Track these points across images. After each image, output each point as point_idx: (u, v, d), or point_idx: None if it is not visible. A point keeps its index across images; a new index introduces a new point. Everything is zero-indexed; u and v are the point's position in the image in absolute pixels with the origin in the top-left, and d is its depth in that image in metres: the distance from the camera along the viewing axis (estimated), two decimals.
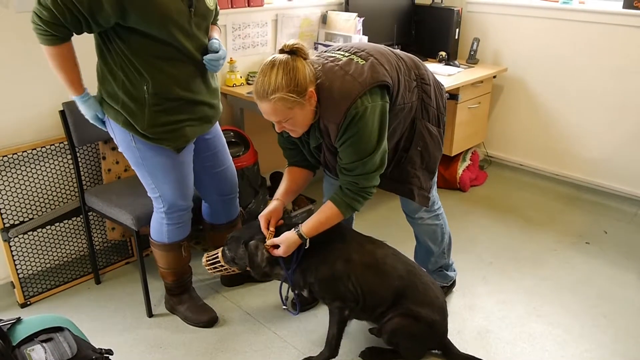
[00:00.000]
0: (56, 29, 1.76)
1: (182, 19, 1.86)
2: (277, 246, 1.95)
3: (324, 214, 1.92)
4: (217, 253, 2.09)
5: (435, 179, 2.22)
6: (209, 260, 2.11)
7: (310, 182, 2.17)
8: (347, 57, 1.81)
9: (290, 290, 2.10)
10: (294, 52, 1.72)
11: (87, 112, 2.01)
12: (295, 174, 2.10)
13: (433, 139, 2.05)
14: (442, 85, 2.14)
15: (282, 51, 1.73)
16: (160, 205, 2.15)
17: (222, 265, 2.08)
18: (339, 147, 1.82)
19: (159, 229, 2.22)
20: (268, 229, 1.98)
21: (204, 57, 1.98)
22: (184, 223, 2.24)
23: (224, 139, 2.35)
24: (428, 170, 2.09)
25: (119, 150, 2.11)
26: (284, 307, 2.08)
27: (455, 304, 2.45)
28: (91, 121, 2.05)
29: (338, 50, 1.88)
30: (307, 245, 1.94)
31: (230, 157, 2.39)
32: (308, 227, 1.92)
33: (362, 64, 1.77)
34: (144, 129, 1.95)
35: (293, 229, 1.94)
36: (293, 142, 2.02)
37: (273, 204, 2.04)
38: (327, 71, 1.76)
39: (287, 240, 1.93)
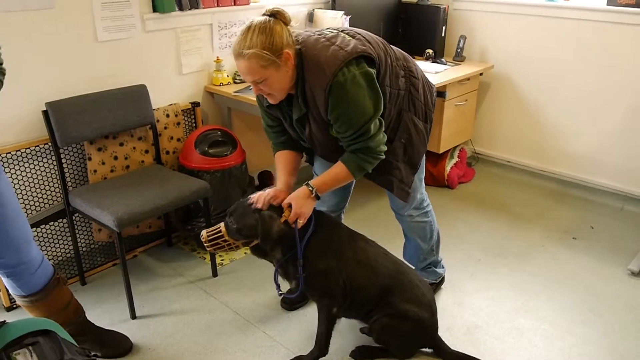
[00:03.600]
0: None
1: None
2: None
3: (334, 171, 1.91)
4: (219, 227, 1.95)
5: (423, 175, 2.22)
6: (210, 236, 1.96)
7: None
8: (333, 33, 1.85)
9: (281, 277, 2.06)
10: (274, 15, 1.75)
11: None
12: (286, 158, 2.07)
13: (418, 133, 2.04)
14: (433, 84, 2.15)
15: (263, 15, 1.76)
16: None
17: (224, 241, 1.94)
18: (335, 122, 1.80)
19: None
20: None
21: None
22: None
23: (6, 181, 1.75)
24: (410, 165, 2.08)
25: None
26: (279, 292, 2.05)
27: (444, 301, 2.46)
28: None
29: (326, 29, 1.91)
30: (318, 198, 1.91)
31: (13, 206, 1.77)
32: (318, 181, 1.92)
33: (348, 39, 1.81)
34: None
35: (305, 185, 1.91)
36: (278, 120, 2.00)
37: (280, 184, 1.99)
38: (313, 42, 1.80)
39: (297, 197, 1.90)
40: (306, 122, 1.90)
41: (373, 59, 1.80)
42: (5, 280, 1.86)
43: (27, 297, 1.88)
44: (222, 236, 1.93)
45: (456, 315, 2.39)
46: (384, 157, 1.90)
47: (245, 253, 2.82)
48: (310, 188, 1.91)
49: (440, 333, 2.12)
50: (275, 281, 2.05)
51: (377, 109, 1.80)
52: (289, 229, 1.89)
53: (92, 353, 1.43)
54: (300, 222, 1.89)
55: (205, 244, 1.97)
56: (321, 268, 1.93)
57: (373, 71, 1.80)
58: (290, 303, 2.42)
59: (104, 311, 2.42)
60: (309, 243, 1.93)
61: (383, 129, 1.87)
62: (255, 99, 2.05)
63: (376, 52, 1.83)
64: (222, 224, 1.95)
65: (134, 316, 2.38)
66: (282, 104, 1.91)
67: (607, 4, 3.13)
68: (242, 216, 1.90)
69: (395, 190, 2.07)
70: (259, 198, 1.92)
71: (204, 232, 1.98)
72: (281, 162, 2.07)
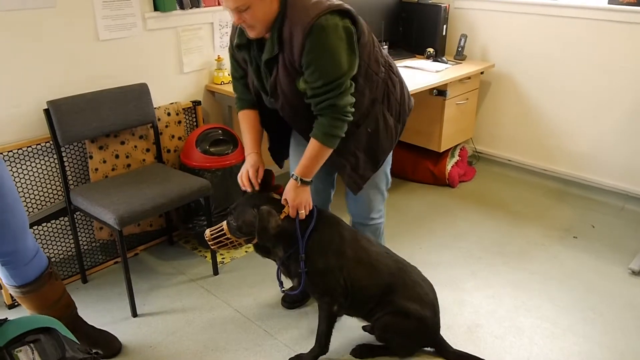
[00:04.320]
0: None
1: None
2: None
3: (309, 150, 1.87)
4: (221, 226, 1.95)
5: (387, 188, 2.21)
6: (213, 234, 1.96)
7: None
8: None
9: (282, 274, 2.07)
10: None
11: None
12: (252, 118, 2.05)
13: (387, 129, 2.00)
14: (409, 93, 2.15)
15: None
16: None
17: (227, 239, 1.95)
18: (307, 68, 1.74)
19: None
20: (259, 181, 1.98)
21: None
22: None
23: (6, 171, 1.79)
24: (371, 158, 2.01)
25: None
26: (282, 289, 2.05)
27: (445, 299, 2.46)
28: None
29: None
30: (310, 183, 1.92)
31: (14, 195, 1.80)
32: (299, 168, 1.90)
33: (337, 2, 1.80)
34: None
35: (292, 179, 1.91)
36: (244, 71, 1.97)
37: (252, 157, 2.00)
38: None
39: (288, 191, 1.91)
40: (274, 67, 1.82)
41: (357, 20, 1.80)
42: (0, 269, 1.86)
43: (19, 288, 1.90)
44: (224, 234, 1.94)
45: (457, 314, 2.39)
46: (351, 118, 1.83)
47: (246, 252, 2.82)
48: (295, 177, 1.90)
49: (441, 331, 2.12)
50: (278, 278, 2.05)
51: (351, 67, 1.77)
52: (289, 224, 1.90)
53: (94, 350, 1.44)
54: (302, 213, 1.89)
55: (209, 243, 1.98)
56: (321, 266, 1.93)
57: (355, 30, 1.78)
58: (290, 302, 2.43)
59: (105, 309, 2.43)
60: (309, 239, 1.92)
61: (352, 90, 1.81)
62: None
63: (361, 22, 1.84)
64: (224, 223, 1.95)
65: (135, 314, 2.38)
66: (252, 46, 1.85)
67: (609, 3, 3.12)
68: (242, 213, 1.90)
69: (346, 178, 2.02)
70: (243, 181, 1.95)
71: (207, 231, 1.99)
72: (247, 126, 2.05)
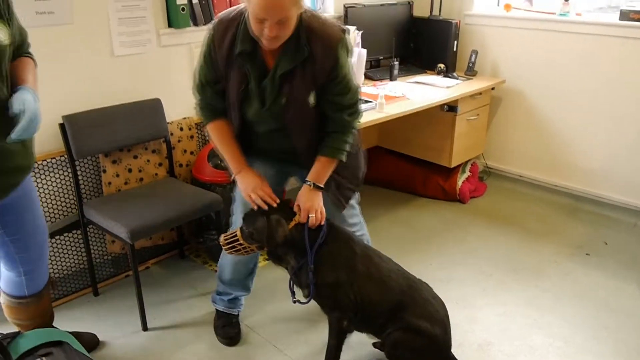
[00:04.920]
0: None
1: None
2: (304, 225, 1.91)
3: (326, 164, 1.95)
4: (235, 232, 1.97)
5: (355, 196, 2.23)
6: (227, 240, 1.98)
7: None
8: None
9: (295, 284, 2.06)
10: None
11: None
12: (229, 130, 1.99)
13: (360, 147, 2.13)
14: None
15: None
16: None
17: (240, 244, 1.96)
18: (340, 81, 1.84)
19: None
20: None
21: (9, 137, 1.50)
22: None
23: (36, 194, 1.89)
24: (353, 176, 2.11)
25: None
26: (294, 300, 2.05)
27: (456, 316, 2.44)
28: None
29: None
30: (320, 188, 1.95)
31: (39, 219, 1.90)
32: (314, 174, 1.95)
33: None
34: None
35: (305, 185, 1.95)
36: (219, 76, 1.91)
37: (250, 175, 1.95)
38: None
39: (301, 196, 1.93)
40: (288, 79, 1.83)
41: None
42: (16, 281, 1.87)
43: (27, 298, 1.92)
44: (238, 240, 1.96)
45: (468, 331, 2.37)
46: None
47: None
48: (309, 183, 1.94)
49: (452, 349, 2.10)
50: (290, 289, 2.05)
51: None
52: (300, 234, 1.91)
53: None
54: (313, 217, 1.90)
55: (223, 247, 2.01)
56: (331, 280, 1.93)
57: None
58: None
59: (116, 322, 2.43)
60: (320, 252, 1.92)
61: None
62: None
63: None
64: (238, 229, 1.98)
65: (145, 328, 2.39)
66: (256, 56, 1.84)
67: (620, 19, 3.12)
68: (254, 221, 1.93)
69: (331, 195, 2.06)
70: (259, 203, 1.91)
71: (222, 237, 2.01)
72: (226, 135, 1.99)
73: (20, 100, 1.49)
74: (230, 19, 1.84)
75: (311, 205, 1.92)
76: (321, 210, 1.95)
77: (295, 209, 1.95)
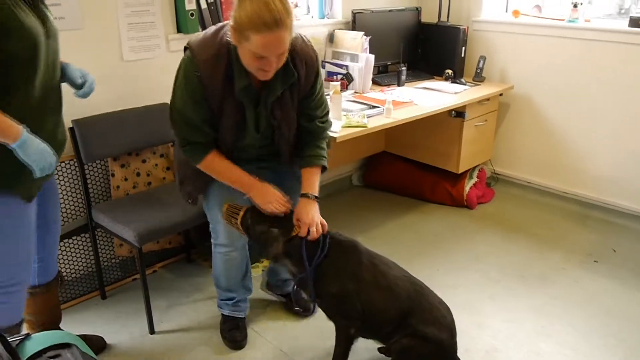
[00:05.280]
0: None
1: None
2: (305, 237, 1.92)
3: (315, 175, 2.03)
4: (240, 211, 1.96)
5: None
6: (229, 212, 1.97)
7: None
8: None
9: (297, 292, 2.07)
10: None
11: (41, 157, 1.58)
12: (222, 158, 1.98)
13: None
14: None
15: None
16: None
17: (236, 224, 1.97)
18: (317, 95, 1.98)
19: None
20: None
21: (80, 92, 1.82)
22: (20, 302, 1.81)
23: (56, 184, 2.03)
24: None
25: None
26: (296, 308, 2.05)
27: (463, 322, 2.43)
28: (47, 171, 1.62)
29: None
30: (317, 198, 2.00)
31: (59, 208, 2.04)
32: (311, 186, 2.01)
33: None
34: None
35: (304, 198, 1.97)
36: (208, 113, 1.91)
37: (263, 185, 1.97)
38: None
39: (302, 209, 1.93)
40: (278, 102, 1.91)
41: None
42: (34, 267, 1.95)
43: (37, 288, 2.01)
44: (237, 220, 1.97)
45: (475, 337, 2.36)
46: None
47: (263, 270, 2.82)
48: (309, 195, 1.97)
49: (458, 355, 2.09)
50: (293, 296, 2.06)
51: None
52: (298, 246, 1.91)
53: None
54: (314, 231, 1.90)
55: (223, 213, 2.01)
56: (336, 291, 1.93)
57: None
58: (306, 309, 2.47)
59: (123, 325, 2.44)
60: (323, 263, 1.93)
61: None
62: None
63: None
64: (243, 210, 1.96)
65: (152, 331, 2.40)
66: (252, 88, 1.86)
67: (629, 26, 3.11)
68: (258, 221, 1.95)
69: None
70: (279, 209, 1.94)
71: (225, 206, 2.00)
72: (226, 161, 1.98)
73: (77, 70, 1.82)
74: (214, 56, 1.79)
75: (312, 219, 1.92)
76: (321, 221, 1.95)
77: (295, 222, 1.94)
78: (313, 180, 2.03)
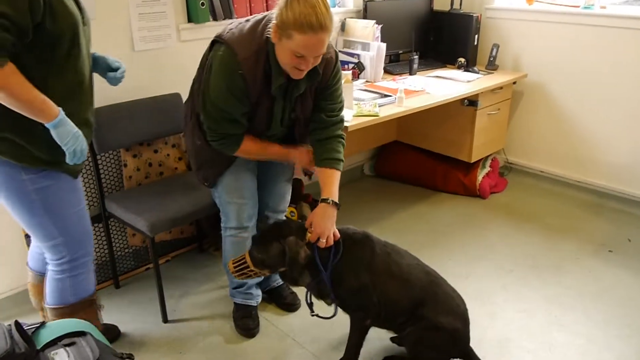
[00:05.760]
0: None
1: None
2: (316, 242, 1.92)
3: (334, 177, 2.04)
4: (244, 258, 1.94)
5: None
6: (236, 266, 1.96)
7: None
8: None
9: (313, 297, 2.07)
10: None
11: (74, 141, 1.63)
12: (254, 139, 2.05)
13: None
14: None
15: None
16: (61, 255, 1.80)
17: (251, 270, 1.94)
18: (336, 89, 2.03)
19: (59, 287, 1.84)
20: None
21: (116, 78, 1.93)
22: (92, 271, 1.92)
23: None
24: None
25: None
26: (312, 314, 2.05)
27: (475, 312, 2.42)
28: (83, 156, 1.68)
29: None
30: (338, 206, 1.99)
31: None
32: (332, 192, 2.01)
33: None
34: (39, 148, 1.63)
35: (322, 202, 1.97)
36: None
37: (299, 149, 2.12)
38: None
39: (315, 215, 1.94)
40: (300, 96, 1.99)
41: None
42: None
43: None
44: (248, 266, 1.93)
45: (487, 327, 2.35)
46: None
47: None
48: (328, 201, 1.97)
49: (470, 344, 2.09)
50: (307, 302, 2.06)
51: None
52: (312, 251, 1.90)
53: (127, 353, 1.46)
54: (323, 242, 1.89)
55: (232, 273, 1.98)
56: (355, 286, 1.92)
57: None
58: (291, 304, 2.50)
59: (137, 314, 2.47)
60: (340, 262, 1.91)
61: None
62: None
63: None
64: (247, 254, 1.94)
65: (165, 320, 2.42)
66: (284, 85, 1.93)
67: None
68: (266, 247, 1.90)
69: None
70: (307, 162, 2.09)
71: (230, 263, 1.99)
72: (259, 143, 2.05)
73: (111, 57, 1.92)
74: (255, 53, 1.84)
75: (325, 228, 1.91)
76: (334, 233, 1.93)
77: (307, 225, 1.94)
78: (333, 185, 2.02)
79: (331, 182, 2.02)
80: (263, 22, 1.86)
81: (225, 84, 1.86)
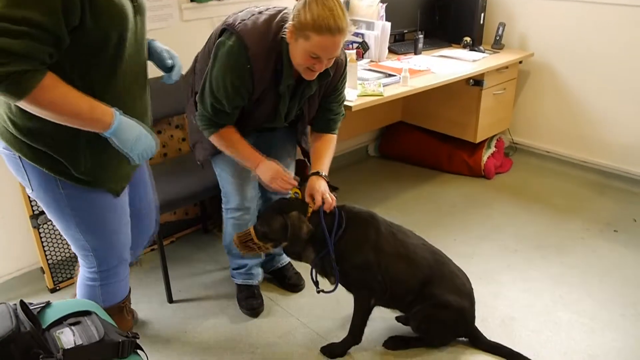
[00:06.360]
0: None
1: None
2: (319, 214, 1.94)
3: (329, 146, 2.11)
4: (249, 231, 1.98)
5: None
6: (241, 239, 1.98)
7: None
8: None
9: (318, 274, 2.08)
10: None
11: (137, 143, 1.49)
12: (234, 132, 1.99)
13: None
14: None
15: None
16: (93, 265, 1.71)
17: (255, 244, 1.97)
18: (341, 87, 2.08)
19: (89, 293, 1.75)
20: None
21: (170, 78, 1.74)
22: (125, 279, 1.83)
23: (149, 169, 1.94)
24: None
25: (31, 195, 1.59)
26: (318, 290, 2.06)
27: (480, 292, 2.43)
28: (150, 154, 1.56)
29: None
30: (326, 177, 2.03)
31: (152, 192, 1.94)
32: (319, 165, 2.04)
33: None
34: (81, 171, 1.50)
35: (314, 176, 1.99)
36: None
37: (268, 163, 1.98)
38: None
39: (312, 186, 1.97)
40: (311, 96, 2.02)
41: None
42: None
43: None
44: (252, 240, 1.96)
45: (491, 306, 2.36)
46: None
47: None
48: (320, 173, 2.01)
49: (475, 323, 2.10)
50: (312, 280, 2.07)
51: None
52: (315, 224, 1.91)
53: (132, 332, 1.47)
54: (328, 198, 1.93)
55: (237, 247, 2.01)
56: (358, 263, 1.93)
57: None
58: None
59: (142, 294, 2.48)
60: (342, 239, 1.92)
61: None
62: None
63: None
64: (251, 228, 1.98)
65: (171, 300, 2.44)
66: (294, 84, 1.94)
67: None
68: (269, 220, 1.93)
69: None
70: (284, 186, 1.97)
71: (235, 236, 2.02)
72: (236, 138, 1.98)
73: (165, 49, 1.74)
74: (268, 49, 1.82)
75: (324, 190, 1.96)
76: (330, 195, 1.97)
77: (308, 199, 1.95)
78: (324, 159, 2.07)
79: (321, 155, 2.07)
80: (277, 18, 1.84)
81: (230, 77, 1.83)
